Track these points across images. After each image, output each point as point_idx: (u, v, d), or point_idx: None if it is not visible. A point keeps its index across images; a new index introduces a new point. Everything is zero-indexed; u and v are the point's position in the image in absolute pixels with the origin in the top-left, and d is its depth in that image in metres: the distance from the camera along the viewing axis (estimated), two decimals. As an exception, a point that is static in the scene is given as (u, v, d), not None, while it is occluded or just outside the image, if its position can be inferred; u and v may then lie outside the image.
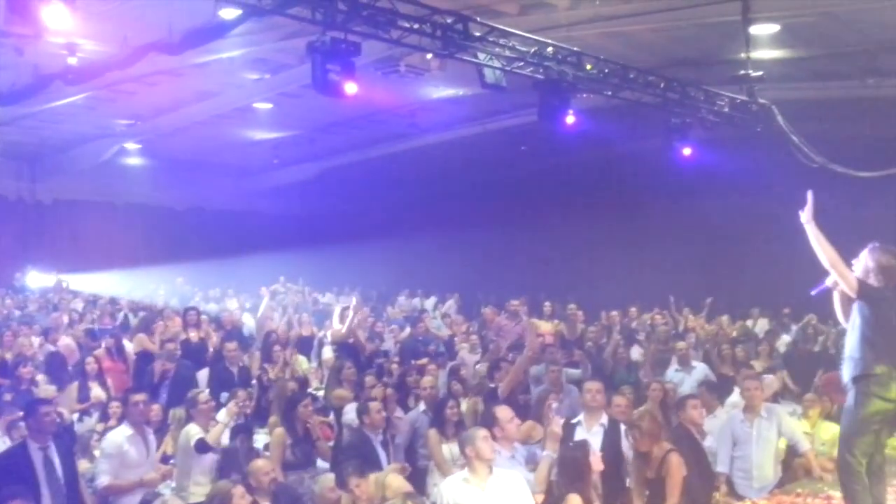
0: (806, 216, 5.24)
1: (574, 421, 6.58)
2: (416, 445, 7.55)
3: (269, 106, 15.77)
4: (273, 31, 11.27)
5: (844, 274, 5.09)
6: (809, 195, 5.25)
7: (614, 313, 13.17)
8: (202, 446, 6.58)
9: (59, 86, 11.99)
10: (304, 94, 13.01)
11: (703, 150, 11.07)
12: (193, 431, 6.71)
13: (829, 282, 5.32)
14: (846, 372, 5.14)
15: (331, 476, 5.90)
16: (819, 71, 12.28)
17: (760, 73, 10.32)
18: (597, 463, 5.34)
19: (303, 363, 10.84)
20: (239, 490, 5.08)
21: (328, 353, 10.82)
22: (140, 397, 6.73)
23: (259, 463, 5.97)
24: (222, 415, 7.34)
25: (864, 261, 5.22)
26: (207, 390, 7.41)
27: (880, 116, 12.69)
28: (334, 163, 20.08)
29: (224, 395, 8.19)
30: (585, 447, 5.40)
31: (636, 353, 11.20)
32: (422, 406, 7.92)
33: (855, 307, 5.14)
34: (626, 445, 6.24)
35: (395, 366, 9.88)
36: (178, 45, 9.90)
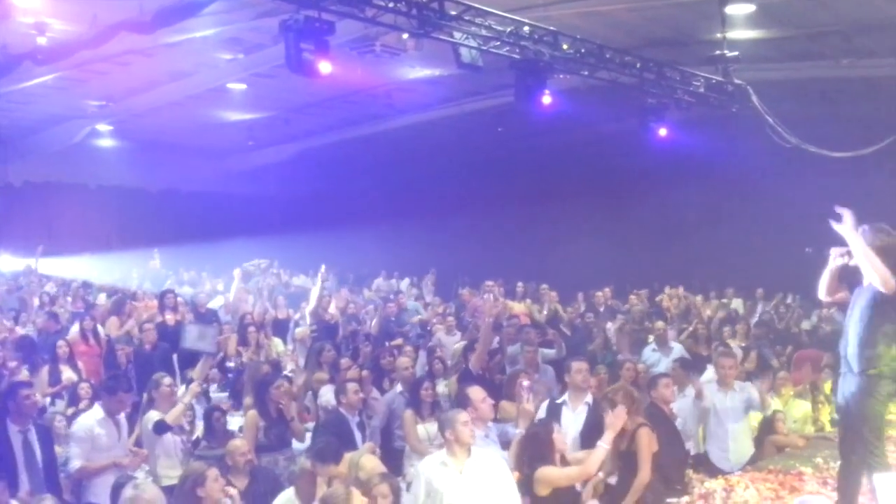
0: (847, 228, 5.04)
1: (559, 401, 6.64)
2: (393, 427, 7.55)
3: (242, 87, 15.58)
4: (246, 10, 11.10)
5: (887, 277, 4.92)
6: (846, 212, 5.04)
7: (600, 293, 13.24)
8: (160, 427, 6.51)
9: (28, 66, 11.76)
10: (279, 74, 12.86)
11: (678, 131, 11.11)
12: (153, 416, 6.65)
13: (835, 257, 5.16)
14: (855, 363, 4.96)
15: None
16: (794, 51, 12.31)
17: (736, 53, 10.35)
18: (560, 441, 5.39)
19: (278, 346, 10.78)
20: (213, 472, 5.03)
21: (301, 331, 10.76)
22: (125, 396, 6.67)
23: (236, 443, 5.94)
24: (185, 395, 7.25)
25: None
26: (168, 377, 7.30)
27: (855, 97, 12.78)
28: (310, 144, 19.93)
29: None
30: (549, 426, 5.47)
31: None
32: (398, 387, 7.91)
33: (871, 301, 4.96)
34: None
35: (367, 348, 9.83)
36: (150, 23, 9.74)
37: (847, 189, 12.46)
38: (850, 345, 4.95)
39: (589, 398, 6.59)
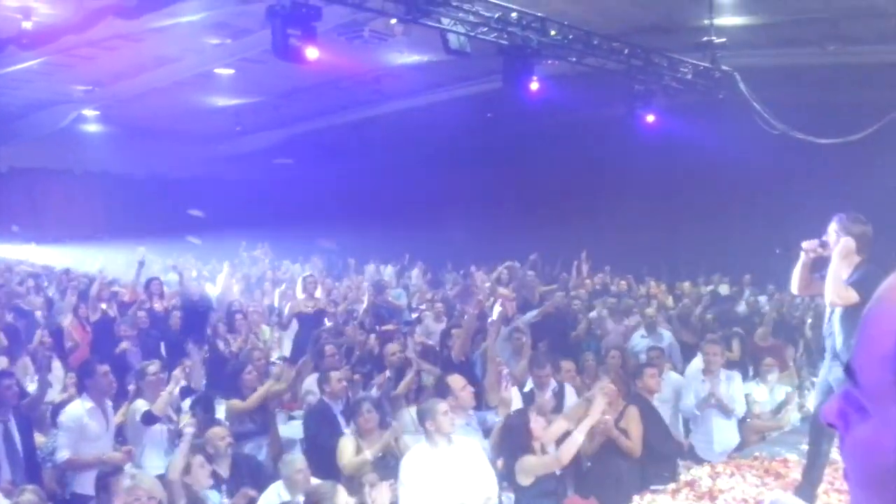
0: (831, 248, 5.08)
1: (527, 389, 6.75)
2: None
3: (230, 72, 15.47)
4: (232, -5, 11.04)
5: (836, 295, 4.99)
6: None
7: (587, 280, 13.26)
8: (149, 417, 6.48)
9: (13, 51, 11.64)
10: (267, 59, 12.74)
11: (666, 117, 11.12)
12: (140, 405, 6.62)
13: (808, 251, 5.19)
14: (844, 354, 5.00)
15: (298, 457, 5.87)
16: (781, 38, 12.31)
17: (723, 39, 10.36)
18: (539, 429, 5.43)
19: (265, 332, 10.77)
20: (198, 459, 5.04)
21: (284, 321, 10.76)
22: (104, 368, 6.63)
23: (215, 429, 5.94)
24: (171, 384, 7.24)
25: (834, 234, 5.11)
26: (158, 362, 7.28)
27: (841, 83, 12.79)
28: (298, 130, 19.84)
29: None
30: (526, 415, 5.50)
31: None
32: (388, 373, 7.93)
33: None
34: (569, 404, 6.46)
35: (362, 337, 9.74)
36: (136, 8, 9.67)
37: (833, 175, 12.63)
38: (837, 336, 4.99)
39: (554, 384, 6.76)
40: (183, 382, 7.17)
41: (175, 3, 9.94)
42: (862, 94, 12.54)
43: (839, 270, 4.87)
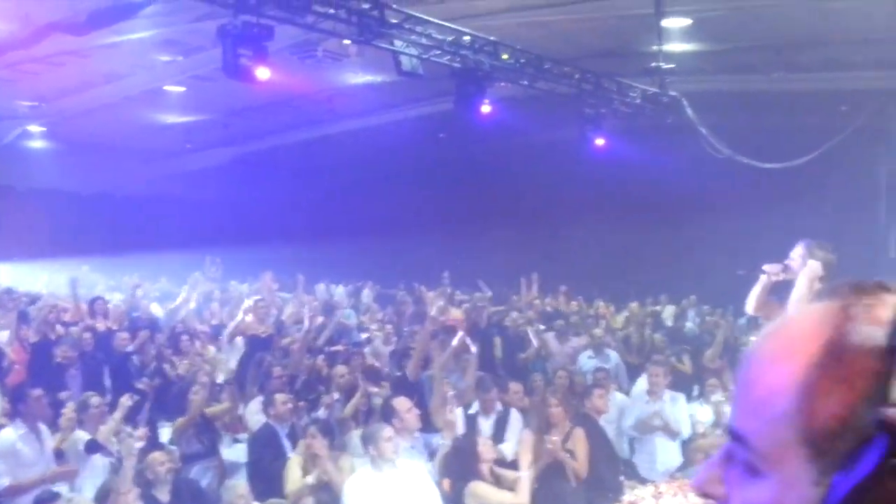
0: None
1: (472, 411, 6.76)
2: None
3: (181, 89, 15.31)
4: (185, 13, 10.92)
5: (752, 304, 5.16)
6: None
7: (536, 301, 13.30)
8: (92, 446, 6.33)
9: (-44, 65, 11.41)
10: (218, 77, 12.52)
11: (615, 140, 11.28)
12: (81, 436, 6.48)
13: (770, 274, 5.24)
14: None
15: (241, 483, 5.78)
16: (727, 64, 12.59)
17: (672, 65, 10.56)
18: (487, 452, 5.43)
19: (211, 353, 10.59)
20: (127, 490, 4.92)
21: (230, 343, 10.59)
22: (37, 393, 6.47)
23: (155, 454, 5.83)
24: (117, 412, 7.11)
25: (798, 259, 5.14)
26: (99, 397, 7.13)
27: (785, 109, 13.12)
28: (250, 148, 19.69)
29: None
30: (473, 438, 5.51)
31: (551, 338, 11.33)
32: (336, 395, 7.87)
33: None
34: (518, 429, 6.48)
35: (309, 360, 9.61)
36: (84, 25, 9.53)
37: (776, 199, 12.92)
38: None
39: (499, 406, 6.78)
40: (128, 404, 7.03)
41: (124, 21, 9.80)
42: (804, 120, 12.89)
43: (805, 294, 4.92)
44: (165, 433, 7.63)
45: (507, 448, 6.59)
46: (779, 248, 5.31)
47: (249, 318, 10.72)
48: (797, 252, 5.08)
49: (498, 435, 6.91)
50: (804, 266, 4.96)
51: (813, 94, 12.72)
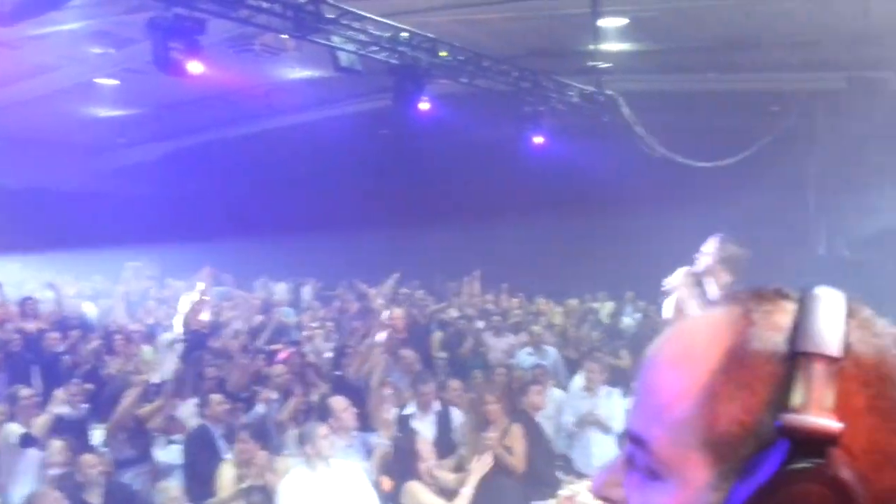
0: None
1: (408, 412, 6.76)
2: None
3: (114, 82, 14.97)
4: (116, 4, 10.69)
5: None
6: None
7: (476, 298, 13.34)
8: (27, 440, 6.19)
9: None
10: (152, 70, 12.29)
11: (554, 139, 11.38)
12: (14, 429, 6.32)
13: (679, 277, 5.32)
14: None
15: (173, 485, 5.69)
16: (663, 64, 12.81)
17: (608, 65, 10.69)
18: (426, 452, 5.44)
19: (147, 353, 10.39)
20: (51, 496, 4.80)
21: (166, 342, 10.37)
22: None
23: (86, 457, 5.71)
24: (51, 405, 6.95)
25: (712, 252, 5.24)
26: (29, 389, 6.95)
27: (719, 109, 13.38)
28: (186, 143, 19.34)
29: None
30: (412, 437, 5.52)
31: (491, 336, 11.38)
32: (274, 394, 7.79)
33: None
34: (457, 426, 6.49)
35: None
36: (11, 14, 9.20)
37: (709, 197, 13.18)
38: None
39: (438, 406, 6.79)
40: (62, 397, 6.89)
41: (53, 11, 9.52)
42: (737, 120, 13.17)
43: (686, 296, 5.06)
44: (98, 435, 7.47)
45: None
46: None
47: (191, 311, 10.54)
48: (710, 246, 5.19)
49: (442, 435, 6.89)
50: (717, 258, 5.06)
51: (745, 95, 13.02)
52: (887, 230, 12.84)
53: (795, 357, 0.69)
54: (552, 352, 10.13)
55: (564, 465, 7.33)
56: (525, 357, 10.05)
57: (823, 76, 12.20)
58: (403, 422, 6.42)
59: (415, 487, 5.12)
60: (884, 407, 0.70)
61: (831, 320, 0.70)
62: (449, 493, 5.58)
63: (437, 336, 10.98)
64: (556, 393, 8.03)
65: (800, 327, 0.70)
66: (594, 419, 7.30)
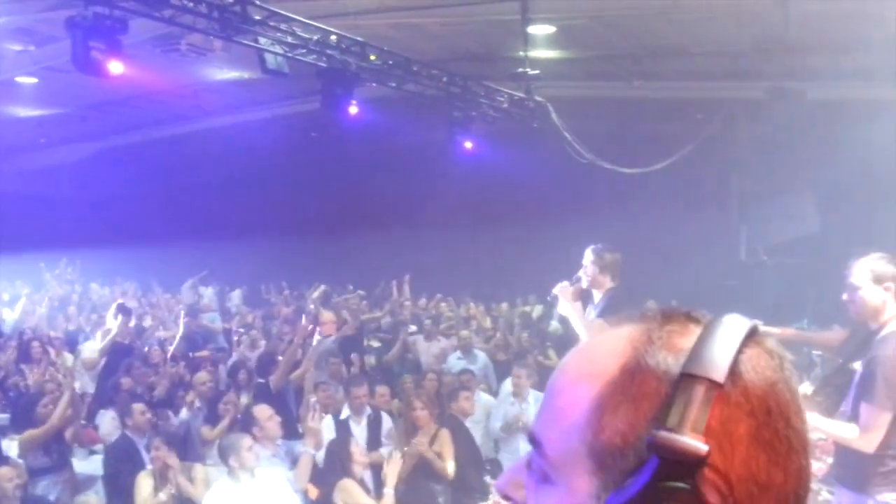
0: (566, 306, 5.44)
1: (343, 416, 6.74)
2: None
3: (33, 80, 14.49)
4: (36, 1, 10.36)
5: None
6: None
7: (407, 302, 13.29)
8: None
9: None
10: (74, 68, 12.06)
11: (483, 144, 11.44)
12: None
13: (561, 293, 5.51)
14: None
15: (92, 498, 5.53)
16: (591, 72, 12.99)
17: (537, 71, 10.78)
18: (359, 455, 5.44)
19: (67, 361, 10.07)
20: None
21: (89, 351, 10.03)
22: None
23: (2, 469, 5.51)
24: None
25: (591, 265, 5.50)
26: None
27: (645, 116, 13.64)
28: (110, 144, 18.83)
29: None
30: (347, 441, 5.50)
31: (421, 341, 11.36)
32: (197, 402, 7.65)
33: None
34: (385, 431, 6.54)
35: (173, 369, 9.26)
36: (-77, 11, 8.86)
37: (635, 203, 13.44)
38: None
39: (369, 410, 6.83)
40: None
41: (-31, 6, 9.19)
42: (662, 127, 13.45)
43: (581, 314, 5.27)
44: (13, 446, 7.21)
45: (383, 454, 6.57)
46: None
47: (113, 322, 10.22)
48: (587, 259, 5.47)
49: (373, 439, 6.87)
50: (596, 270, 5.34)
51: (670, 102, 13.29)
52: (804, 236, 13.29)
53: (682, 378, 0.70)
54: (481, 356, 10.17)
55: (495, 470, 7.36)
56: (455, 362, 10.07)
57: (745, 85, 12.52)
58: (343, 427, 6.43)
59: (348, 484, 5.11)
60: (767, 438, 0.71)
61: (724, 346, 0.71)
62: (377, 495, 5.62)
63: (367, 341, 10.93)
64: (485, 398, 8.07)
65: (693, 350, 0.71)
66: (523, 425, 7.35)
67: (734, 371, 0.70)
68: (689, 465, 0.67)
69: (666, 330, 0.75)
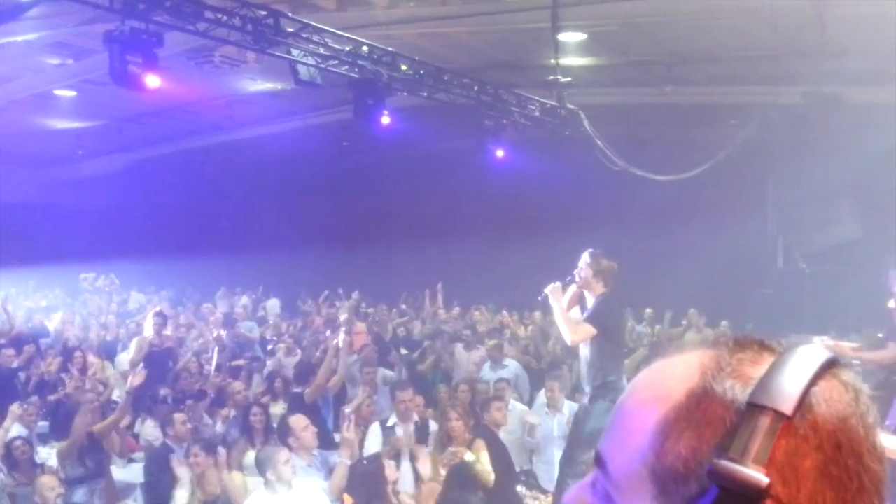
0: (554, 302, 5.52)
1: (390, 424, 6.72)
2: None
3: (72, 93, 14.75)
4: (72, 15, 10.53)
5: (573, 332, 5.49)
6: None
7: (441, 311, 13.28)
8: None
9: None
10: (110, 81, 12.23)
11: (515, 152, 11.43)
12: None
13: (553, 293, 5.56)
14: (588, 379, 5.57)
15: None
16: (622, 78, 12.92)
17: (569, 79, 10.75)
18: (392, 474, 5.42)
19: (107, 369, 10.21)
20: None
21: (125, 363, 10.13)
22: None
23: (44, 478, 5.59)
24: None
25: (585, 267, 5.57)
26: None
27: (677, 122, 13.55)
28: (145, 154, 19.09)
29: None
30: (379, 460, 5.49)
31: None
32: (233, 412, 7.70)
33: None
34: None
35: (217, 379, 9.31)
36: (-34, 27, 9.06)
37: (670, 210, 13.32)
38: (588, 370, 5.67)
39: (416, 417, 6.80)
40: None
41: (8, 22, 9.37)
42: (696, 133, 13.34)
43: (565, 313, 5.34)
44: (52, 454, 7.32)
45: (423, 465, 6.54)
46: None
47: (150, 331, 10.34)
48: (583, 261, 5.55)
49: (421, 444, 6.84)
50: (590, 273, 5.41)
51: (704, 108, 13.18)
52: (843, 243, 13.06)
53: (748, 408, 0.69)
54: (513, 364, 10.11)
55: (529, 480, 7.32)
56: (488, 371, 10.03)
57: (781, 90, 12.38)
58: (388, 434, 6.48)
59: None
60: (835, 474, 0.70)
61: (796, 377, 0.70)
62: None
63: (402, 352, 10.93)
64: (518, 407, 8.02)
65: (762, 380, 0.71)
66: (558, 435, 7.31)
67: (804, 403, 0.69)
68: (749, 496, 0.66)
69: (736, 357, 0.74)
